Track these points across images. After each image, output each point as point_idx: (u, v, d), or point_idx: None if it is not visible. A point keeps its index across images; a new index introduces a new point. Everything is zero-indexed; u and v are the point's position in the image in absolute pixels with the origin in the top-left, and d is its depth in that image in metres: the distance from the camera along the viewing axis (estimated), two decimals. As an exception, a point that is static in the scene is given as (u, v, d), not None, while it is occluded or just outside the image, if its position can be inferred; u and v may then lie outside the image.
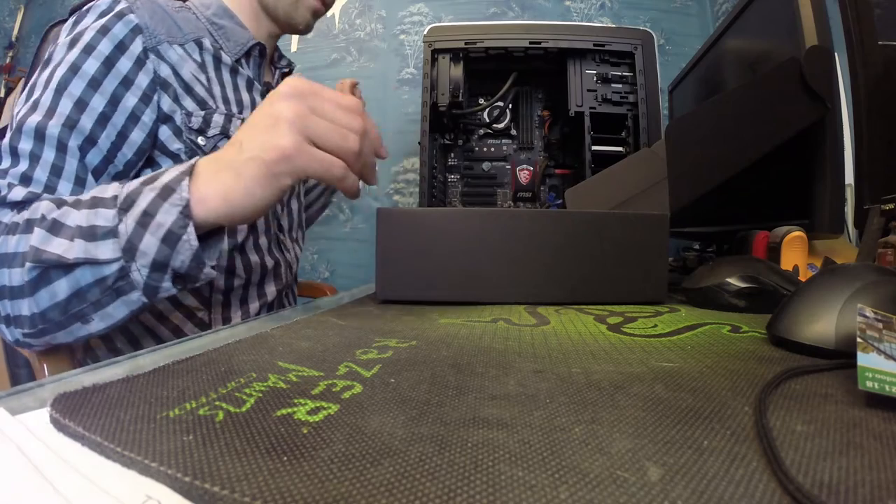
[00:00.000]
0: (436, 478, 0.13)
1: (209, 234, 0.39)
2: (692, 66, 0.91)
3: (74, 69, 0.47)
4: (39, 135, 0.44)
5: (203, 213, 0.37)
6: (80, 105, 0.46)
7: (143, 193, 0.37)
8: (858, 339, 0.20)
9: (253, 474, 0.13)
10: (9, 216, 0.41)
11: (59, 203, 0.39)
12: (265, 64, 0.64)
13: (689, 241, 0.91)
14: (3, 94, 1.77)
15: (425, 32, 0.91)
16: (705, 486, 0.13)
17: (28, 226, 0.39)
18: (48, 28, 0.71)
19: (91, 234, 0.37)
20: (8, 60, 1.83)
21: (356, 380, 0.22)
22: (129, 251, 0.36)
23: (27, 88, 0.48)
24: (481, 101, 0.98)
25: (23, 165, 0.43)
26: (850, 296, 0.26)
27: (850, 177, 0.54)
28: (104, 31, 0.48)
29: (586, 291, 0.44)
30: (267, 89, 0.64)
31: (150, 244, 0.36)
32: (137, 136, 0.50)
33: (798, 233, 0.50)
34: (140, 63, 0.50)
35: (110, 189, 0.39)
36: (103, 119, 0.47)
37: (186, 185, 0.36)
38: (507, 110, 0.99)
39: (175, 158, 0.52)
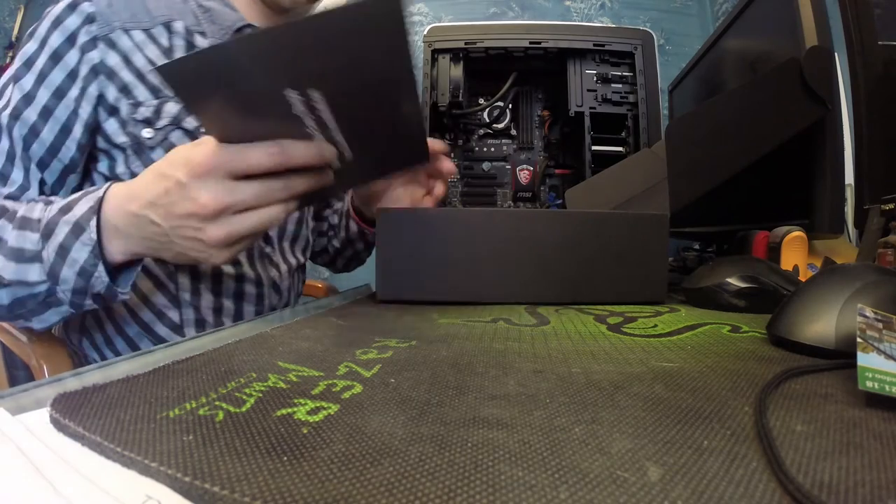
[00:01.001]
0: (436, 478, 0.13)
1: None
2: (692, 66, 0.91)
3: (28, 63, 0.48)
4: None
5: (114, 252, 0.40)
6: (28, 98, 0.47)
7: (59, 225, 0.39)
8: (858, 339, 0.20)
9: (253, 474, 0.13)
10: None
11: (1, 212, 0.42)
12: None
13: (689, 241, 0.91)
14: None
15: (425, 32, 0.91)
16: (705, 486, 0.13)
17: None
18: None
19: (20, 256, 0.40)
20: (8, 60, 1.84)
21: (356, 380, 0.22)
22: (53, 276, 0.40)
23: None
24: (481, 101, 0.98)
25: None
26: (850, 296, 0.26)
27: (850, 177, 0.54)
28: (57, 23, 0.48)
29: (586, 291, 0.44)
30: None
31: (68, 275, 0.39)
32: (77, 130, 0.49)
33: (798, 233, 0.50)
34: (82, 53, 0.49)
35: (37, 210, 0.41)
36: (46, 112, 0.48)
37: (94, 227, 0.38)
38: (507, 110, 0.99)
39: (123, 152, 0.50)
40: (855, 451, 0.15)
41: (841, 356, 0.24)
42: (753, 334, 0.31)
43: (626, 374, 0.23)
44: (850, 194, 0.58)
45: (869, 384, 0.18)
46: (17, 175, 0.47)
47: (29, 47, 0.48)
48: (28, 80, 0.47)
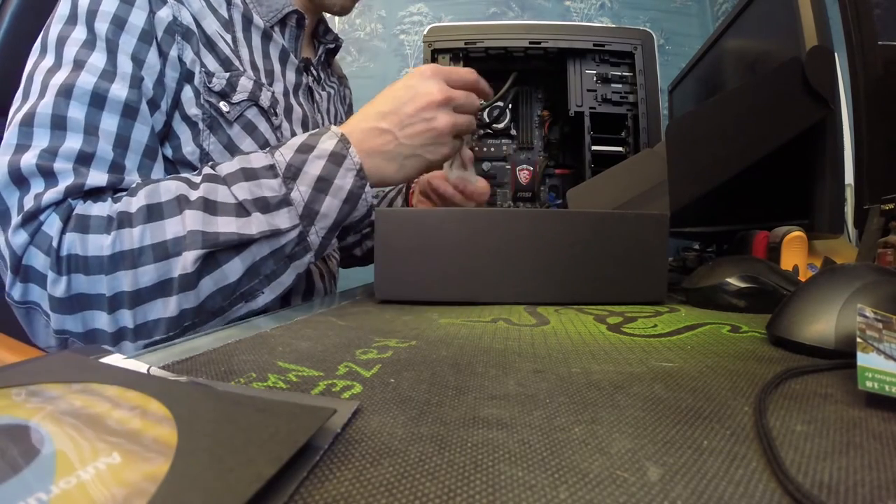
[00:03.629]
0: (436, 478, 0.13)
1: None
2: (692, 66, 0.91)
3: (119, 21, 0.40)
4: (97, 99, 0.38)
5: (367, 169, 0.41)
6: (138, 62, 0.40)
7: (308, 162, 0.38)
8: (858, 339, 0.20)
9: (253, 474, 0.13)
10: (98, 207, 0.35)
11: (183, 181, 0.36)
12: (304, 36, 0.57)
13: (689, 241, 0.91)
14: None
15: (425, 32, 0.91)
16: (705, 486, 0.13)
17: (152, 213, 0.34)
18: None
19: (265, 205, 0.36)
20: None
21: (356, 380, 0.22)
22: (308, 216, 0.38)
23: (45, 43, 0.40)
24: (481, 101, 0.98)
25: (75, 140, 0.36)
26: (849, 296, 0.26)
27: (850, 177, 0.54)
28: None
29: (586, 291, 0.44)
30: (306, 65, 0.58)
31: (331, 206, 0.39)
32: (165, 103, 0.43)
33: (798, 233, 0.50)
34: (151, 13, 0.42)
35: (254, 159, 0.38)
36: (160, 79, 0.42)
37: (355, 152, 0.40)
38: (507, 110, 0.99)
39: (191, 127, 0.44)
40: (855, 451, 0.15)
41: (841, 356, 0.24)
42: (753, 334, 0.31)
43: (626, 374, 0.23)
44: (850, 194, 0.58)
45: (869, 384, 0.18)
46: (130, 162, 0.39)
47: (108, 4, 0.40)
48: (127, 41, 0.40)
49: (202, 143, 0.45)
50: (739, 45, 0.72)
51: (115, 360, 0.21)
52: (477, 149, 1.00)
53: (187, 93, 0.44)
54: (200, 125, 0.45)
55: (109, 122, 0.38)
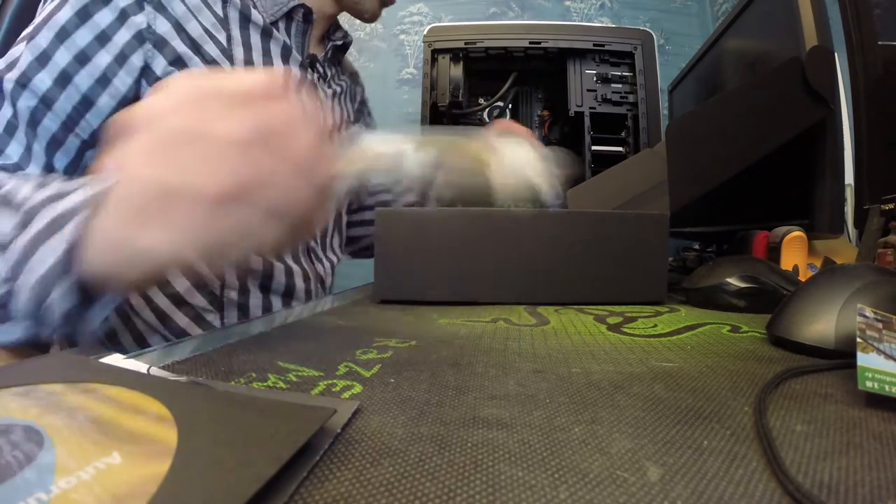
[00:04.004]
0: (436, 478, 0.13)
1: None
2: (692, 66, 0.91)
3: (47, 18, 0.40)
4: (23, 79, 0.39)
5: (102, 260, 0.27)
6: (42, 59, 0.40)
7: (40, 214, 0.28)
8: (858, 339, 0.20)
9: (253, 474, 0.13)
10: None
11: None
12: (311, 31, 0.55)
13: (689, 241, 0.91)
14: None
15: (425, 32, 0.91)
16: (705, 486, 0.13)
17: None
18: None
19: None
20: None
21: (356, 380, 0.22)
22: (13, 279, 0.28)
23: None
24: (481, 101, 0.98)
25: None
26: (849, 296, 0.26)
27: (850, 177, 0.54)
28: None
29: (586, 291, 0.44)
30: (311, 62, 0.56)
31: (24, 283, 0.28)
32: (105, 102, 0.42)
33: (798, 233, 0.50)
34: (124, 16, 0.41)
35: (26, 187, 0.30)
36: (63, 79, 0.40)
37: (79, 223, 0.27)
38: (507, 110, 0.99)
39: None
40: (855, 451, 0.15)
41: (841, 356, 0.24)
42: (753, 334, 0.31)
43: (626, 374, 0.23)
44: (850, 194, 0.58)
45: (869, 384, 0.18)
46: (13, 150, 0.39)
47: (52, 2, 0.41)
48: (45, 37, 0.40)
49: None
50: (739, 45, 0.72)
51: (115, 359, 0.21)
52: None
53: None
54: None
55: (5, 110, 0.39)
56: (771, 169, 0.57)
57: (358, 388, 0.20)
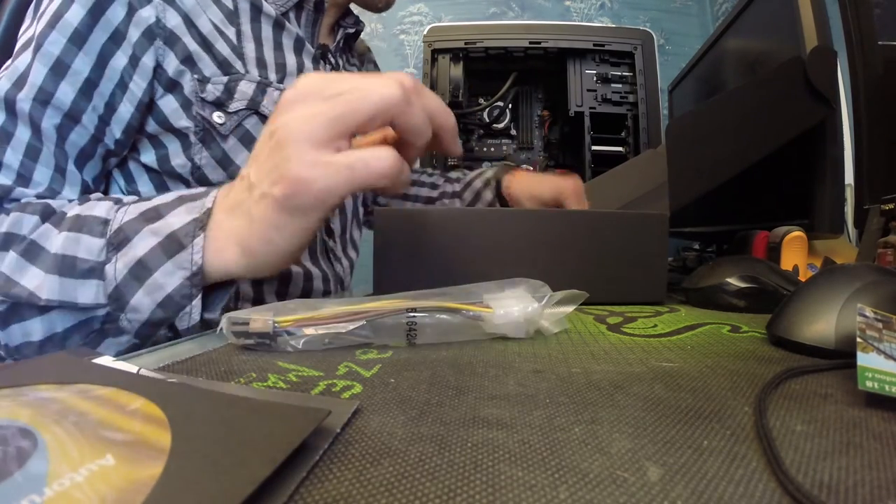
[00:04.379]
0: (436, 478, 0.13)
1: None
2: (692, 66, 0.91)
3: (54, 21, 0.36)
4: (9, 107, 0.35)
5: (215, 269, 0.29)
6: (59, 69, 0.36)
7: (140, 234, 0.29)
8: (858, 339, 0.20)
9: (252, 474, 0.13)
10: None
11: (46, 214, 0.32)
12: (322, 21, 0.52)
13: (689, 241, 0.91)
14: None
15: (425, 32, 0.91)
16: (705, 486, 0.13)
17: (5, 242, 0.31)
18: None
19: (70, 267, 0.29)
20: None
21: (356, 380, 0.22)
22: (118, 300, 0.29)
23: (36, 9, 0.38)
24: (481, 101, 0.98)
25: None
26: (849, 296, 0.26)
27: (850, 177, 0.54)
28: None
29: (586, 291, 0.44)
30: (323, 53, 0.53)
31: (143, 304, 0.29)
32: (125, 109, 0.39)
33: (798, 233, 0.50)
34: (132, 11, 0.38)
35: (100, 207, 0.31)
36: (88, 87, 0.37)
37: (200, 246, 0.28)
38: (507, 110, 0.99)
39: (181, 139, 0.41)
40: (855, 451, 0.14)
41: (841, 356, 0.24)
42: (753, 334, 0.31)
43: (626, 374, 0.22)
44: (850, 194, 0.58)
45: (869, 384, 0.18)
46: (41, 175, 0.35)
47: (55, 2, 0.37)
48: (57, 43, 0.36)
49: (193, 156, 0.41)
50: (739, 45, 0.72)
51: (106, 361, 0.21)
52: (477, 149, 1.00)
53: (170, 104, 0.40)
54: (192, 137, 0.41)
55: (22, 132, 0.35)
56: (771, 169, 0.57)
57: (358, 388, 0.20)
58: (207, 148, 0.42)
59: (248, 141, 0.44)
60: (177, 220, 0.29)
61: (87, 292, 0.29)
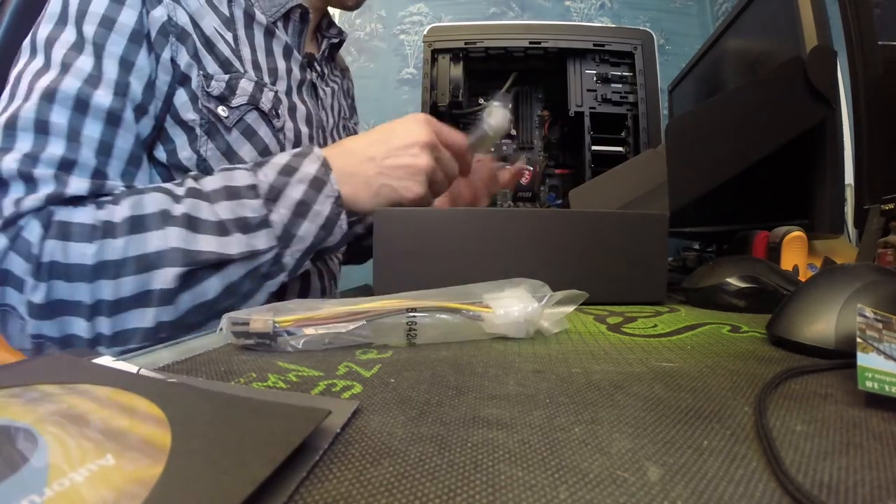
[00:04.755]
0: (436, 478, 0.13)
1: None
2: (692, 66, 0.91)
3: (108, 22, 0.39)
4: (81, 104, 0.37)
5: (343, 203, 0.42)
6: (126, 65, 0.39)
7: (290, 185, 0.39)
8: (858, 339, 0.20)
9: (252, 474, 0.13)
10: (80, 214, 0.35)
11: (168, 193, 0.37)
12: (308, 31, 0.56)
13: (689, 241, 0.91)
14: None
15: (425, 32, 0.91)
16: (705, 486, 0.13)
17: (135, 225, 0.35)
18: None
19: (244, 225, 0.37)
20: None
21: (356, 380, 0.22)
22: (285, 239, 0.39)
23: (33, 44, 0.39)
24: (481, 101, 0.98)
25: (57, 146, 0.36)
26: (849, 296, 0.26)
27: (850, 177, 0.54)
28: None
29: (586, 291, 0.44)
30: (309, 61, 0.57)
31: (308, 231, 0.40)
32: (154, 107, 0.42)
33: (798, 233, 0.50)
34: (144, 8, 0.41)
35: (238, 177, 0.39)
36: (150, 82, 0.41)
37: (335, 179, 0.41)
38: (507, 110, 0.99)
39: (188, 132, 0.44)
40: (855, 451, 0.14)
41: (841, 356, 0.24)
42: (753, 334, 0.31)
43: (626, 374, 0.22)
44: (850, 194, 0.58)
45: (869, 384, 0.18)
46: (113, 170, 0.39)
47: (98, 5, 0.39)
48: (116, 43, 0.39)
49: (199, 148, 0.44)
50: (739, 45, 0.72)
51: (106, 361, 0.21)
52: (477, 149, 1.00)
53: (181, 97, 0.43)
54: (198, 130, 0.44)
55: (93, 129, 0.38)
56: (771, 169, 0.57)
57: (358, 388, 0.20)
58: (213, 140, 0.45)
59: (249, 134, 0.47)
60: (310, 167, 0.41)
61: (262, 239, 0.38)
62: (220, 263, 0.36)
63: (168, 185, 0.39)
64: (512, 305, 0.29)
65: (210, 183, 0.39)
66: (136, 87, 0.40)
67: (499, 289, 0.31)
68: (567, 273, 0.44)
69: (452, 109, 0.91)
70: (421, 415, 0.18)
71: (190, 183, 0.39)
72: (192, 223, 0.36)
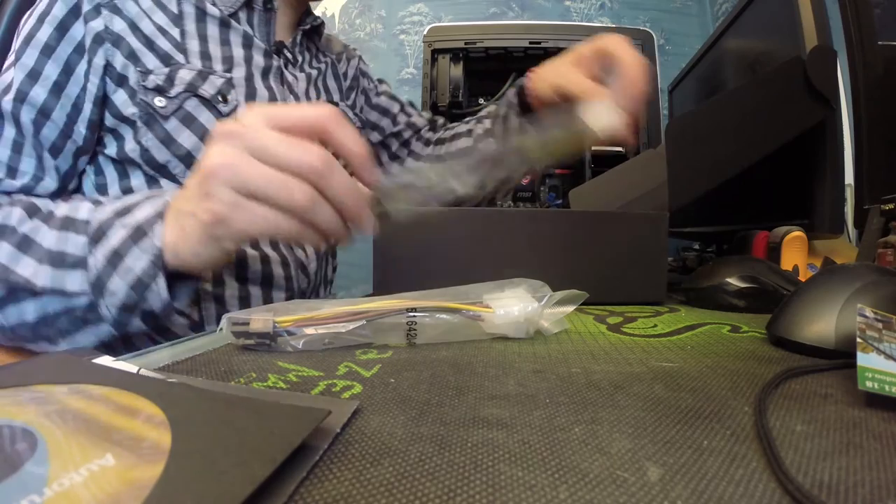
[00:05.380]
0: (436, 478, 0.13)
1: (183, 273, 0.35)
2: (692, 66, 0.91)
3: (29, 38, 0.45)
4: (20, 96, 0.43)
5: (174, 260, 0.33)
6: (33, 74, 0.44)
7: (114, 227, 0.34)
8: (858, 339, 0.20)
9: (252, 474, 0.13)
10: None
11: (31, 211, 0.38)
12: (275, 20, 0.57)
13: (689, 241, 0.91)
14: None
15: (425, 32, 0.91)
16: (705, 486, 0.13)
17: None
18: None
19: (60, 260, 0.35)
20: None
21: (356, 380, 0.22)
22: (98, 287, 0.34)
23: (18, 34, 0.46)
24: (481, 101, 0.98)
25: None
26: (849, 296, 0.26)
27: (850, 177, 0.54)
28: None
29: (586, 291, 0.44)
30: (278, 49, 0.58)
31: (118, 287, 0.34)
32: (87, 108, 0.46)
33: (798, 233, 0.50)
34: (86, 23, 0.46)
35: (83, 209, 0.37)
36: (56, 89, 0.45)
37: (160, 232, 0.33)
38: (507, 110, 0.99)
39: (132, 126, 0.47)
40: (855, 451, 0.14)
41: (841, 356, 0.24)
42: (753, 334, 0.31)
43: (626, 374, 0.22)
44: (850, 194, 0.58)
45: (869, 384, 0.18)
46: (27, 165, 0.44)
47: (29, 24, 0.45)
48: (31, 56, 0.44)
49: (140, 139, 0.47)
50: (739, 45, 0.72)
51: (106, 361, 0.21)
52: (477, 149, 1.00)
53: (120, 96, 0.47)
54: (138, 123, 0.47)
55: (8, 131, 0.43)
56: (771, 169, 0.57)
57: (358, 388, 0.20)
58: (151, 130, 0.47)
59: (188, 121, 0.49)
60: (142, 212, 0.34)
61: (74, 280, 0.34)
62: (33, 291, 0.35)
63: (40, 202, 0.39)
64: (512, 305, 0.29)
65: (64, 209, 0.38)
66: (73, 88, 0.45)
67: (499, 289, 0.31)
68: (567, 273, 0.44)
69: (452, 109, 0.91)
70: (421, 415, 0.18)
71: (62, 205, 0.38)
72: (23, 244, 0.36)
